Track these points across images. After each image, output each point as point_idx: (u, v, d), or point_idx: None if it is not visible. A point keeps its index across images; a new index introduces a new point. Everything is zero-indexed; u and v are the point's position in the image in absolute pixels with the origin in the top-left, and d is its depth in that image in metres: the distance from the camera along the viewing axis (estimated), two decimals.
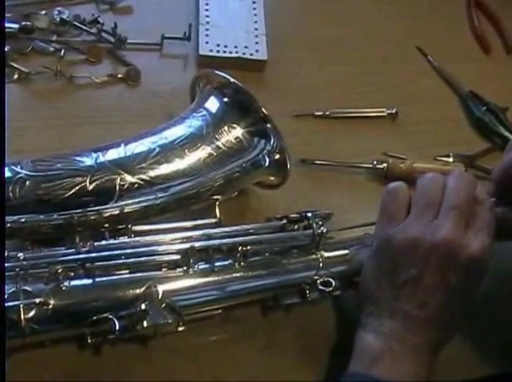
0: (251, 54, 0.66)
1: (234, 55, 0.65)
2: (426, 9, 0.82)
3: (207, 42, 0.65)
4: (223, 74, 0.50)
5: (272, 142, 0.50)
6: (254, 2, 0.71)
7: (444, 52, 0.76)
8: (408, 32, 0.78)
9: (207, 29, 0.67)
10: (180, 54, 0.67)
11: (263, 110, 0.49)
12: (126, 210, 0.44)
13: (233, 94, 0.49)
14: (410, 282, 0.43)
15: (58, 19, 0.63)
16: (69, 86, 0.60)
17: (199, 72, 0.56)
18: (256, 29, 0.68)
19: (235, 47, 0.66)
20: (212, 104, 0.50)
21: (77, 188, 0.43)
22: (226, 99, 0.50)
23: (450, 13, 0.83)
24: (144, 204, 0.45)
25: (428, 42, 0.77)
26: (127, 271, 0.43)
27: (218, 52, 0.65)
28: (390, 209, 0.45)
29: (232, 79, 0.49)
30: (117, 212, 0.44)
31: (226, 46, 0.66)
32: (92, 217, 0.43)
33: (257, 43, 0.67)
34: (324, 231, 0.47)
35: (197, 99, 0.52)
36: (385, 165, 0.61)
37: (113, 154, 0.45)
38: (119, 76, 0.62)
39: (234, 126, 0.49)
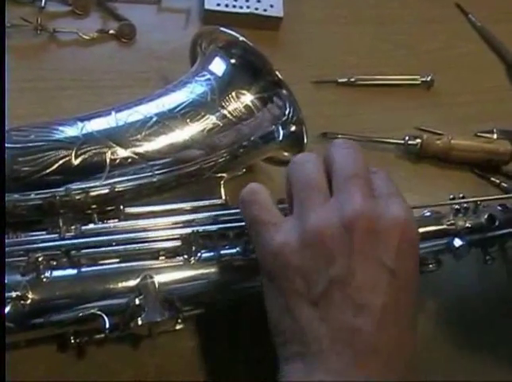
0: (265, 10, 0.64)
1: (245, 10, 0.64)
2: None
3: None
4: (229, 31, 0.48)
5: (287, 112, 0.49)
6: None
7: (488, 10, 0.75)
8: None
9: None
10: (181, 8, 0.65)
11: (277, 73, 0.47)
12: (116, 189, 0.43)
13: (242, 54, 0.48)
14: (334, 285, 0.35)
15: None
16: (51, 42, 0.59)
17: (202, 29, 0.54)
18: None
19: (246, 1, 0.64)
20: (218, 67, 0.48)
21: (60, 162, 0.41)
22: (233, 61, 0.48)
23: None
24: (138, 181, 0.43)
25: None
26: (118, 260, 0.41)
27: (226, 6, 0.64)
28: (261, 217, 0.39)
29: (241, 38, 0.47)
30: (106, 191, 0.43)
31: (235, 0, 0.64)
32: (77, 197, 0.42)
33: None
34: None
35: (200, 61, 0.50)
36: (418, 141, 0.60)
37: (102, 124, 0.44)
38: (111, 32, 0.60)
39: (244, 92, 0.47)
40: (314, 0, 0.70)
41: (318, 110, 0.60)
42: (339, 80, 0.64)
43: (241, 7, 0.64)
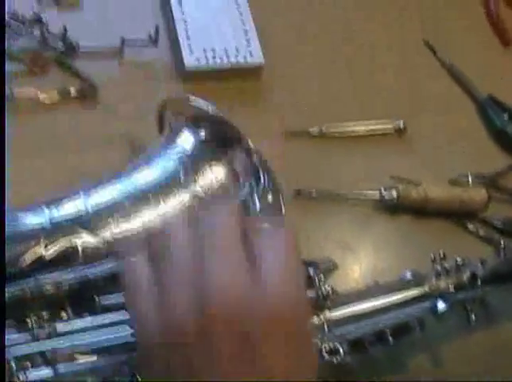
0: (245, 57, 0.63)
1: (225, 63, 0.63)
2: None
3: (191, 50, 0.62)
4: (198, 103, 0.48)
5: (262, 181, 0.49)
6: None
7: (456, 47, 0.75)
8: (413, 25, 0.76)
9: (186, 31, 0.63)
10: (144, 61, 0.64)
11: (249, 143, 0.48)
12: (90, 277, 0.42)
13: (212, 126, 0.48)
14: None
15: None
16: (10, 107, 0.57)
17: (165, 100, 0.52)
18: (243, 23, 0.65)
19: (225, 51, 0.63)
20: (188, 140, 0.48)
21: (30, 255, 0.41)
22: (203, 134, 0.48)
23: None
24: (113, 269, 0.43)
25: (436, 36, 0.75)
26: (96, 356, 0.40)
27: (206, 60, 0.62)
28: None
29: (211, 110, 0.47)
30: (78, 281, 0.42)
31: (213, 50, 0.63)
32: (48, 289, 0.41)
33: (248, 41, 0.65)
34: (330, 291, 0.46)
35: (169, 134, 0.50)
36: (394, 193, 0.60)
37: (70, 209, 0.43)
38: (71, 93, 0.59)
39: (216, 163, 0.48)
40: (288, 49, 0.69)
41: (291, 164, 0.60)
42: (311, 131, 0.63)
43: (221, 58, 0.63)
